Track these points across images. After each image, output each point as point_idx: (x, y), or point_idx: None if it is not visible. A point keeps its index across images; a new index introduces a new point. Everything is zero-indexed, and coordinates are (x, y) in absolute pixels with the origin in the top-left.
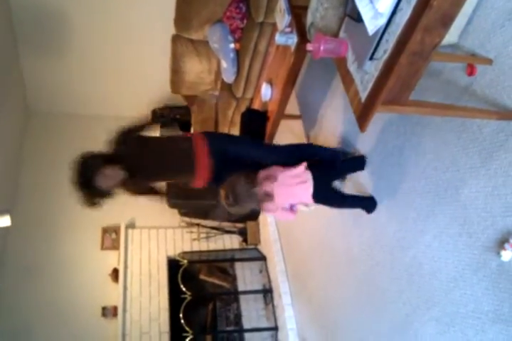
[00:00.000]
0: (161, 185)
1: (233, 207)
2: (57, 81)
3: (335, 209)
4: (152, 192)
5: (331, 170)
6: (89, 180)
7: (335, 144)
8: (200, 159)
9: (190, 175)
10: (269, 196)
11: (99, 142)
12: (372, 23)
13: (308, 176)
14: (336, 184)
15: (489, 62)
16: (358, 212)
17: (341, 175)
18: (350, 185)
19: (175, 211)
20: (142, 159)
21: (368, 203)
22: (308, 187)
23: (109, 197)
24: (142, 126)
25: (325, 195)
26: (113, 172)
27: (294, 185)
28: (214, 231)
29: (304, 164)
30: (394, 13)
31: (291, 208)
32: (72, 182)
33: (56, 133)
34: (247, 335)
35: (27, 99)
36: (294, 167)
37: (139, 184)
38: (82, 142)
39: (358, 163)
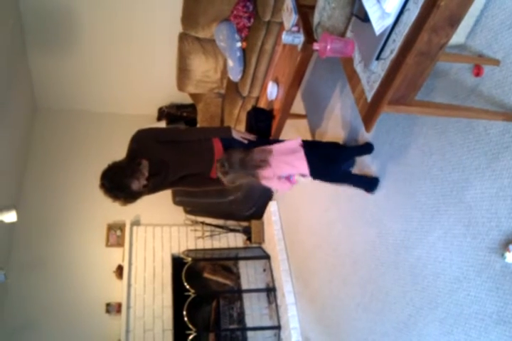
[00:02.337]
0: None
1: (228, 176)
2: (65, 78)
3: (335, 185)
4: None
5: (329, 149)
6: (125, 183)
7: (339, 138)
8: (218, 152)
9: (210, 165)
10: (264, 162)
11: (105, 139)
12: (379, 23)
13: (300, 147)
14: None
15: (496, 62)
16: (364, 211)
17: (346, 157)
18: None
19: (180, 209)
20: (169, 156)
21: (369, 182)
22: (302, 156)
23: (140, 195)
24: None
25: (321, 170)
26: (143, 167)
27: (287, 154)
28: (218, 229)
29: (299, 139)
30: (401, 13)
31: (288, 178)
32: (105, 188)
33: (63, 130)
34: (249, 334)
35: (34, 96)
36: (288, 141)
37: (161, 184)
38: (88, 139)
39: (364, 148)
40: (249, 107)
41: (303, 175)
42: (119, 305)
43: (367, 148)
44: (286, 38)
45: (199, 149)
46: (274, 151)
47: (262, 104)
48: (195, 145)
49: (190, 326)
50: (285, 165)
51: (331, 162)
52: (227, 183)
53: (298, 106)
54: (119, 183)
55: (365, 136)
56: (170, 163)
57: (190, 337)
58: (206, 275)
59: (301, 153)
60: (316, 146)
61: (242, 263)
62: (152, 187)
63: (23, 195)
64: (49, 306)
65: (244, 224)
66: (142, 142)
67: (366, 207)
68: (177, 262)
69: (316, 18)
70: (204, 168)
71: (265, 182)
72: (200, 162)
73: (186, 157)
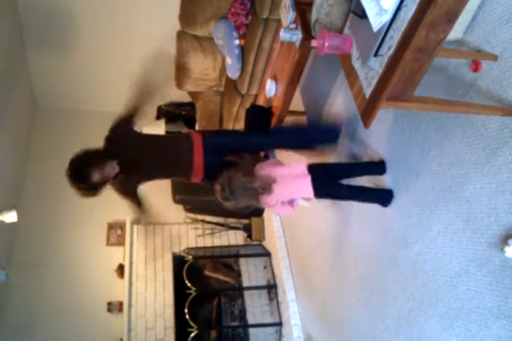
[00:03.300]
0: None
1: (229, 201)
2: (64, 78)
3: (343, 201)
4: (135, 198)
5: (334, 167)
6: (86, 174)
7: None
8: (196, 157)
9: (187, 172)
10: (266, 190)
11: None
12: (377, 20)
13: (306, 172)
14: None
15: (494, 58)
16: (363, 207)
17: (352, 174)
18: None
19: (180, 207)
20: (141, 156)
21: (381, 195)
22: (308, 183)
23: (100, 191)
24: (127, 120)
25: (327, 190)
26: (109, 167)
27: (293, 181)
28: (219, 227)
29: (305, 163)
30: (398, 9)
31: (291, 202)
32: (68, 176)
33: (62, 130)
34: (251, 331)
35: (34, 95)
36: (294, 165)
37: (129, 182)
38: (88, 138)
39: (376, 167)
40: (248, 105)
41: (306, 199)
42: (121, 304)
43: (379, 168)
44: (284, 35)
45: (175, 154)
46: (279, 178)
47: (260, 102)
48: (169, 147)
49: (192, 324)
50: (289, 192)
51: (335, 180)
52: (228, 208)
53: (297, 103)
54: (81, 176)
55: (363, 132)
56: (141, 166)
57: (192, 334)
58: (207, 273)
59: (308, 180)
60: (323, 166)
61: (242, 261)
62: (117, 187)
63: (24, 195)
64: (51, 306)
65: (245, 221)
66: (123, 141)
67: (366, 204)
68: (178, 260)
69: (313, 15)
70: (181, 174)
71: (267, 207)
72: (175, 168)
73: (160, 162)
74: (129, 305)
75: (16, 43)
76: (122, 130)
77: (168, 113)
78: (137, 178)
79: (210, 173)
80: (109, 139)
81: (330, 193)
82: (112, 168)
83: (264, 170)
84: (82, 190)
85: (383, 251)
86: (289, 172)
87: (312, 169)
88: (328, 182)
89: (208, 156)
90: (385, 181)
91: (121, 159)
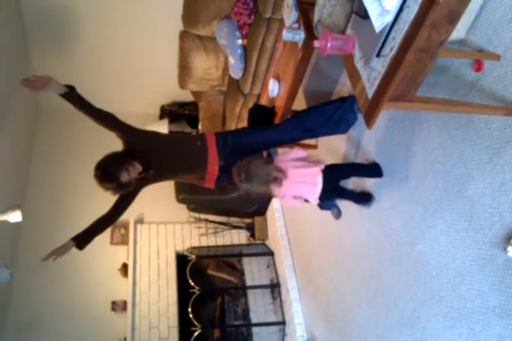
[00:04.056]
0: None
1: (244, 184)
2: (67, 77)
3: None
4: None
5: (343, 173)
6: (114, 175)
7: (342, 135)
8: (211, 156)
9: (203, 171)
10: (277, 180)
11: (109, 138)
12: (379, 20)
13: (319, 179)
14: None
15: (497, 57)
16: (365, 207)
17: (352, 175)
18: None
19: (183, 206)
20: (160, 155)
21: (362, 199)
22: (316, 190)
23: (128, 188)
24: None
25: (330, 196)
26: (131, 166)
27: (302, 183)
28: (222, 226)
29: (320, 167)
30: (400, 10)
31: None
32: (97, 177)
33: (65, 130)
34: (254, 329)
35: (37, 95)
36: (311, 166)
37: (151, 180)
38: (91, 138)
39: (373, 170)
40: (250, 104)
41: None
42: (125, 303)
43: (375, 170)
44: (286, 34)
45: (196, 154)
46: (290, 177)
47: (263, 101)
48: (183, 146)
49: (196, 323)
50: (295, 191)
51: (338, 187)
52: (243, 191)
53: (299, 102)
54: (109, 174)
55: (366, 132)
56: (165, 166)
57: (196, 333)
58: (210, 272)
59: (318, 188)
60: (338, 173)
61: (245, 260)
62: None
63: (28, 195)
64: (55, 305)
65: (248, 220)
66: (142, 141)
67: (368, 203)
68: (181, 259)
69: (316, 16)
70: (196, 180)
71: (277, 196)
72: (195, 169)
73: (183, 163)
74: (133, 304)
75: (18, 42)
76: (139, 131)
77: (172, 112)
78: (159, 177)
79: (224, 172)
80: (127, 141)
81: (330, 197)
82: (134, 167)
83: (283, 163)
84: (110, 189)
85: (386, 251)
86: (304, 176)
87: (325, 176)
88: (333, 191)
89: (222, 155)
90: (384, 181)
91: (142, 158)
